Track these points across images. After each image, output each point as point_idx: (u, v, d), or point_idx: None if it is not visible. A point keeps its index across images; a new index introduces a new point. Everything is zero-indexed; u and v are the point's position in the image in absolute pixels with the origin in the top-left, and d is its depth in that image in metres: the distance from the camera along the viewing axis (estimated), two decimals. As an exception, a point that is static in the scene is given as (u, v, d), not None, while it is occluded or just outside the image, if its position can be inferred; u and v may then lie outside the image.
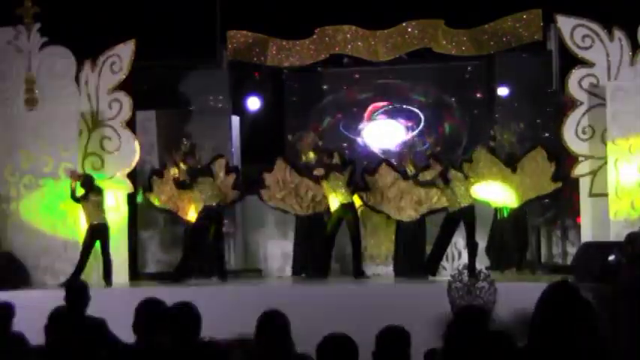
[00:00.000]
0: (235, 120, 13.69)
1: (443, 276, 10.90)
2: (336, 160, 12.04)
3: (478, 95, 13.64)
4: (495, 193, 11.86)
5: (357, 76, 14.09)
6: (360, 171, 12.37)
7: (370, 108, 13.90)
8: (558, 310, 4.08)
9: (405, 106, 13.79)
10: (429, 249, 11.90)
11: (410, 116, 13.75)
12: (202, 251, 12.11)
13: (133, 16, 12.95)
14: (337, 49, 13.54)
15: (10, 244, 12.07)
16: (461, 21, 13.11)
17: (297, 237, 12.42)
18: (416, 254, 12.01)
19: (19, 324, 6.15)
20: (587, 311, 4.11)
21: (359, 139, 13.96)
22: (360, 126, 13.96)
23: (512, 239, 11.85)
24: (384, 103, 13.91)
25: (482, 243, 11.84)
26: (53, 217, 12.03)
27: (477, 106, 13.66)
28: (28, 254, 11.97)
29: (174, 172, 12.12)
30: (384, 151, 13.68)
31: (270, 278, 12.84)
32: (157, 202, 12.43)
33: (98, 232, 11.74)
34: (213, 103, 13.45)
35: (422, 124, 13.73)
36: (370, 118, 13.92)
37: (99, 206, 11.78)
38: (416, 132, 13.68)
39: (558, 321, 4.06)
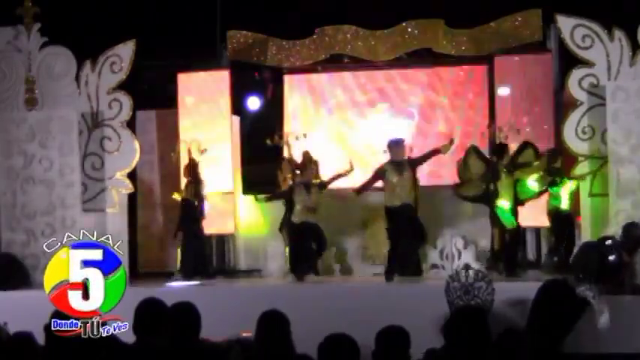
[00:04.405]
0: (235, 120, 13.70)
1: (442, 276, 10.89)
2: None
3: (478, 95, 13.62)
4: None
5: (357, 76, 14.07)
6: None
7: None
8: (553, 307, 4.09)
9: (403, 107, 13.79)
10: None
11: (408, 116, 13.74)
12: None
13: (133, 16, 12.96)
14: (337, 49, 13.55)
15: (10, 244, 12.08)
16: (461, 21, 13.11)
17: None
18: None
19: (19, 324, 6.16)
20: (582, 308, 4.11)
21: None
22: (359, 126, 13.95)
23: (512, 239, 11.83)
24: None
25: (484, 243, 11.87)
26: (53, 217, 12.05)
27: (477, 106, 13.65)
28: (28, 254, 11.98)
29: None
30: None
31: (270, 278, 12.85)
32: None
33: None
34: (213, 103, 13.45)
35: (419, 124, 13.72)
36: None
37: None
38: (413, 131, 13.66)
39: (553, 317, 4.07)
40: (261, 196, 12.64)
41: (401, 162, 11.26)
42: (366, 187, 11.59)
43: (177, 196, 12.59)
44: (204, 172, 12.68)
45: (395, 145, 11.43)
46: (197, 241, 12.38)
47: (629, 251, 9.40)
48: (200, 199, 12.44)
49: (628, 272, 9.36)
